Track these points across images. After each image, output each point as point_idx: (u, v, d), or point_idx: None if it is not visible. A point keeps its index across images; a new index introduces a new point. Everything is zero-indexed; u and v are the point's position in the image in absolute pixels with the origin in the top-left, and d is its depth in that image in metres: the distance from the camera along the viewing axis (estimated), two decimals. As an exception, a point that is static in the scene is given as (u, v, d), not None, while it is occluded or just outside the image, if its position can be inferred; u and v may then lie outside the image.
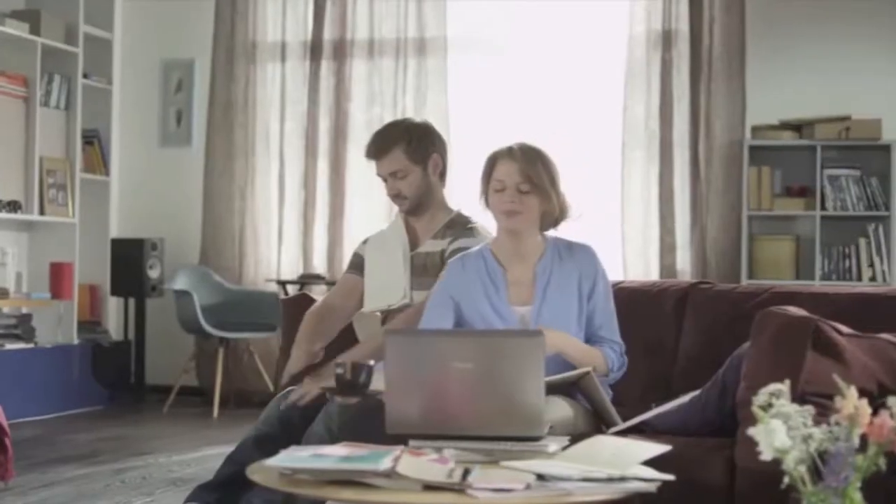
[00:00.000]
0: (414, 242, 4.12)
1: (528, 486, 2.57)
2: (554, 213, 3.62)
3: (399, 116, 8.34)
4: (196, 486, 3.77)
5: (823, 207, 7.63)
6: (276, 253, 8.61)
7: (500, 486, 2.55)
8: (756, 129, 7.78)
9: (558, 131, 7.95)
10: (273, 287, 8.39)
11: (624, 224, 7.99)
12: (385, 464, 2.60)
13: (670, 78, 7.98)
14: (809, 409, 2.42)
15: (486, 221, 3.95)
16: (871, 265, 7.57)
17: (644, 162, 8.01)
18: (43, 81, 7.81)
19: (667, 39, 7.98)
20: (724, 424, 3.26)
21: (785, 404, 2.45)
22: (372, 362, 3.12)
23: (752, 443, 3.06)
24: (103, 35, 8.40)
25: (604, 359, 3.59)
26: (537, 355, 2.98)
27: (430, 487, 2.57)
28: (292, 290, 8.18)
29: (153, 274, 8.43)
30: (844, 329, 3.04)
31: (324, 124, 8.52)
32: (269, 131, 8.62)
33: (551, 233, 3.71)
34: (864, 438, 2.28)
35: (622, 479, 2.66)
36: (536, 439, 2.98)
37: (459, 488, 2.55)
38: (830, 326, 2.99)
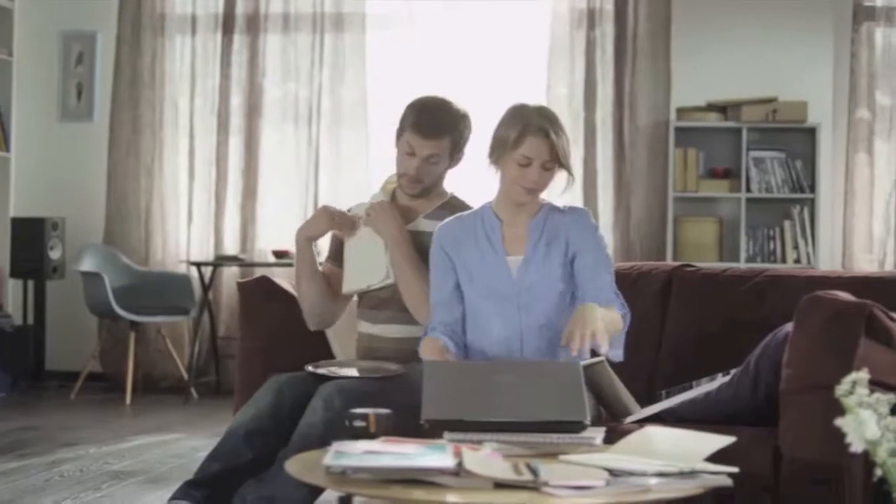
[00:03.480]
0: (405, 219, 3.93)
1: (607, 483, 2.41)
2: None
3: (315, 93, 8.13)
4: (183, 483, 3.51)
5: (748, 189, 7.62)
6: (185, 233, 8.28)
7: (578, 483, 2.39)
8: (681, 111, 7.73)
9: (479, 109, 7.77)
10: (183, 268, 8.09)
11: (547, 205, 7.87)
12: (450, 461, 2.41)
13: (594, 57, 7.88)
14: (890, 399, 2.32)
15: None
16: (796, 247, 7.59)
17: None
18: (-58, 51, 7.39)
19: (591, 18, 7.87)
20: (757, 412, 3.14)
21: (866, 394, 2.34)
22: (390, 411, 2.88)
23: (797, 431, 2.97)
24: (4, 3, 7.97)
25: (620, 317, 3.53)
26: (577, 379, 2.93)
27: (500, 485, 2.40)
28: (206, 272, 7.88)
29: (54, 255, 8.04)
30: (895, 315, 2.94)
31: (236, 100, 8.23)
32: (177, 106, 8.29)
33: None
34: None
35: (692, 472, 2.53)
36: (579, 426, 2.83)
37: (534, 486, 2.38)
38: (883, 312, 2.89)
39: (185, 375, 7.82)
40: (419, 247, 3.80)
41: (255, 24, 8.18)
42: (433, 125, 3.76)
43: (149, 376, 8.11)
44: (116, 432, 6.20)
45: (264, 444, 3.51)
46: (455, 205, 3.90)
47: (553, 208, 3.64)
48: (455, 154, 3.84)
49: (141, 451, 5.63)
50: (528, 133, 3.42)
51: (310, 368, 3.72)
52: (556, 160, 3.44)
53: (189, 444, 5.88)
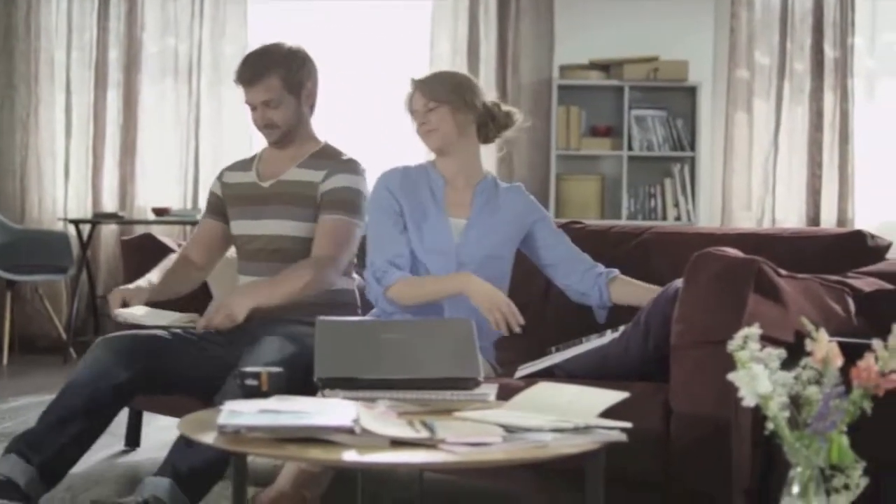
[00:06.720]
0: (275, 172, 3.89)
1: (504, 440, 2.41)
2: (482, 120, 3.73)
3: (195, 47, 7.99)
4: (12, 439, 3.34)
5: (630, 147, 7.69)
6: (62, 190, 8.09)
7: (475, 440, 2.38)
8: (564, 69, 7.76)
9: (363, 66, 7.75)
10: (61, 226, 7.91)
11: (432, 163, 7.85)
12: (346, 419, 2.39)
13: (477, 15, 7.86)
14: (781, 353, 2.35)
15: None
16: (676, 205, 7.69)
17: (451, 100, 7.87)
18: None
19: (474, -25, 7.85)
20: (648, 368, 3.18)
21: (758, 348, 2.37)
22: (281, 370, 2.84)
23: (687, 386, 3.00)
24: None
25: None
26: (470, 335, 2.98)
27: (397, 443, 2.39)
28: (85, 229, 7.73)
29: (-75, 212, 7.82)
30: (782, 271, 2.99)
31: (114, 54, 8.05)
32: (53, 60, 8.08)
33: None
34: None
35: (587, 428, 2.54)
36: (473, 382, 2.84)
37: (431, 443, 2.37)
38: (771, 268, 2.93)
39: (64, 335, 7.67)
40: (293, 196, 3.78)
41: (132, -24, 8.02)
42: (249, 71, 3.77)
43: (25, 336, 7.93)
44: (-7, 394, 6.07)
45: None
46: (330, 152, 3.90)
47: (495, 180, 3.85)
48: (295, 91, 3.80)
49: (22, 412, 5.51)
50: (408, 95, 3.72)
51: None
52: (433, 99, 3.63)
53: (70, 404, 5.75)
